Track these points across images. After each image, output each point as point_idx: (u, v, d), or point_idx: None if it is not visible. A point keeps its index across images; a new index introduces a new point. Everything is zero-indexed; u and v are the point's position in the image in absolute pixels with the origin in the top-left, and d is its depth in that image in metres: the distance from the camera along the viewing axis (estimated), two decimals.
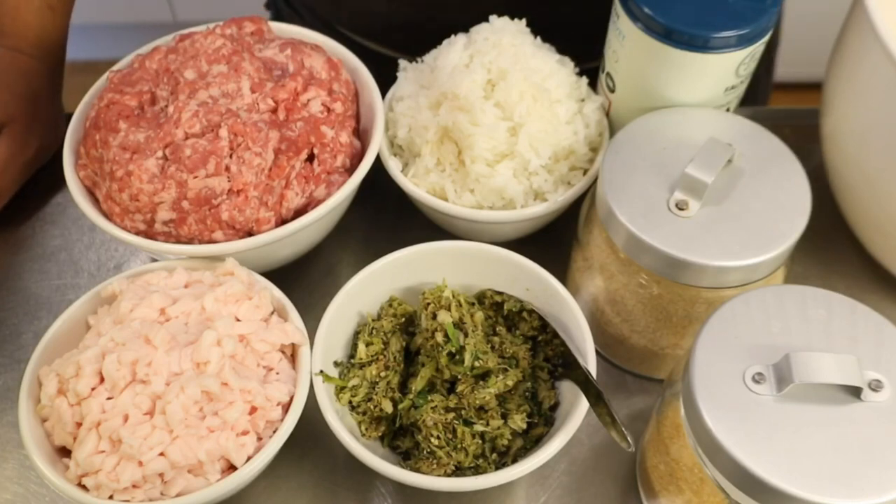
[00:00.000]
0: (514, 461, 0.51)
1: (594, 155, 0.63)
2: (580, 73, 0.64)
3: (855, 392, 0.42)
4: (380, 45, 0.77)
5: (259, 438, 0.50)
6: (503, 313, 0.57)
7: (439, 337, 0.53)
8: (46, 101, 0.70)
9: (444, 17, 0.66)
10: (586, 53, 0.66)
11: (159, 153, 0.56)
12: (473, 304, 0.56)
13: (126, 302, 0.52)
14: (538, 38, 0.64)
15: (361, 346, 0.55)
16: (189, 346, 0.50)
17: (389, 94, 0.65)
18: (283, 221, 0.58)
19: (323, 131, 0.59)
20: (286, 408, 0.51)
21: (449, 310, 0.53)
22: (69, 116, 0.63)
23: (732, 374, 0.43)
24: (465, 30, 0.64)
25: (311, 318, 0.54)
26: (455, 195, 0.60)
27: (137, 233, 0.57)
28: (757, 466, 0.40)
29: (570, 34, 0.66)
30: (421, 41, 0.66)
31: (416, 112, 0.62)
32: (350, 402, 0.53)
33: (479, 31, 0.63)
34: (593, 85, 0.65)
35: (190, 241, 0.57)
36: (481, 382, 0.52)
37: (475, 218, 0.60)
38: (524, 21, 0.64)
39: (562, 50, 0.65)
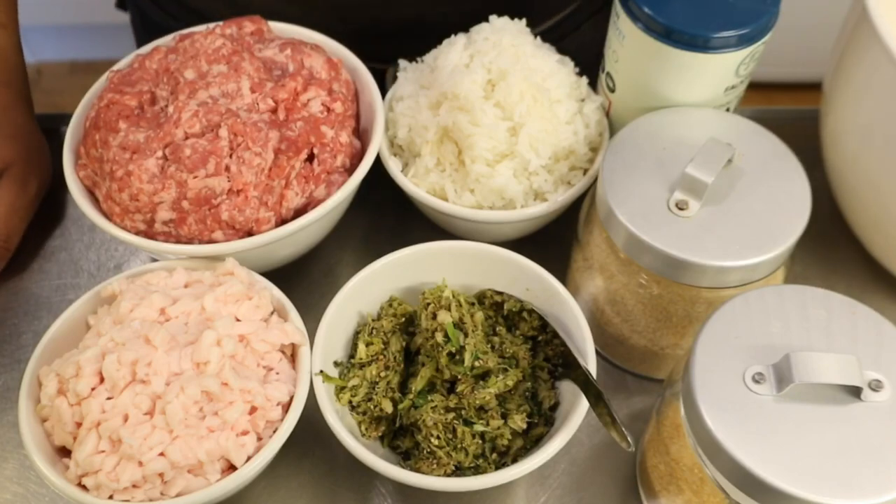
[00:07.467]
0: (514, 461, 0.51)
1: (594, 155, 0.62)
2: (580, 73, 0.64)
3: (855, 392, 0.42)
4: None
5: (259, 438, 0.50)
6: (503, 313, 0.57)
7: (439, 337, 0.53)
8: (30, 132, 0.67)
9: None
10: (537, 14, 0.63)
11: (159, 153, 0.56)
12: (473, 304, 0.56)
13: (126, 302, 0.52)
14: (538, 38, 0.64)
15: (361, 346, 0.55)
16: (189, 346, 0.50)
17: (389, 94, 0.65)
18: (283, 221, 0.58)
19: (323, 131, 0.59)
20: (286, 408, 0.51)
21: (449, 310, 0.53)
22: (68, 117, 0.62)
23: (732, 374, 0.43)
24: (465, 29, 0.64)
25: (311, 318, 0.54)
26: (455, 195, 0.60)
27: (137, 233, 0.57)
28: (757, 466, 0.40)
29: None
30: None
31: (416, 112, 0.62)
32: (350, 402, 0.53)
33: (479, 31, 0.63)
34: (593, 85, 0.65)
35: (190, 241, 0.57)
36: (481, 382, 0.52)
37: (475, 218, 0.60)
38: (524, 21, 0.64)
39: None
